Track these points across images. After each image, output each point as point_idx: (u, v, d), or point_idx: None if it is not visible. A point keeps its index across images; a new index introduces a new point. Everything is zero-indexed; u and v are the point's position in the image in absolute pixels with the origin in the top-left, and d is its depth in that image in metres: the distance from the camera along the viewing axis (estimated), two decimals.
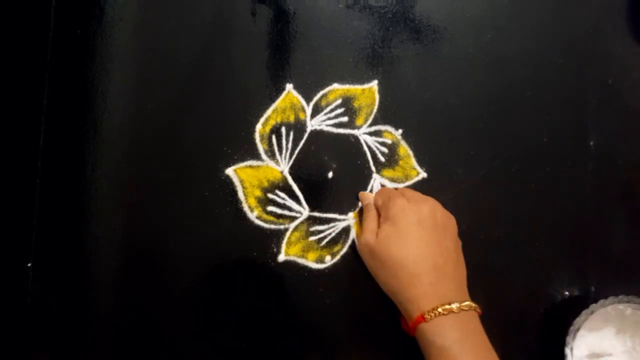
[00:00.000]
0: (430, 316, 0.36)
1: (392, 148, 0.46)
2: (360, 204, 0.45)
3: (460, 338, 0.35)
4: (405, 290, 0.38)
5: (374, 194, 0.44)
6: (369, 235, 0.41)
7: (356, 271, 0.45)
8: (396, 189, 0.45)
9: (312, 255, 0.44)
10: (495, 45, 0.47)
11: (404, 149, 0.46)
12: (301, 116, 0.46)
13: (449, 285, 0.38)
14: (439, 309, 0.36)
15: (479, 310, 0.38)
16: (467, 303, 0.37)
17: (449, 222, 0.41)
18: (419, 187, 0.46)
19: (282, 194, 0.45)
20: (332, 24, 0.46)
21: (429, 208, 0.40)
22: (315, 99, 0.46)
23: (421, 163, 0.46)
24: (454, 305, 0.36)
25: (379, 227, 0.41)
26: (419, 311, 0.36)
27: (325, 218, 0.45)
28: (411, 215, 0.39)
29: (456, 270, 0.39)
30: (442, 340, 0.35)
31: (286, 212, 0.45)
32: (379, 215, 0.42)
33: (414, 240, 0.38)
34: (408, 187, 0.46)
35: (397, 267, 0.38)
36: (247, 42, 0.46)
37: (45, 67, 0.45)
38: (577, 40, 0.47)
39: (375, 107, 0.46)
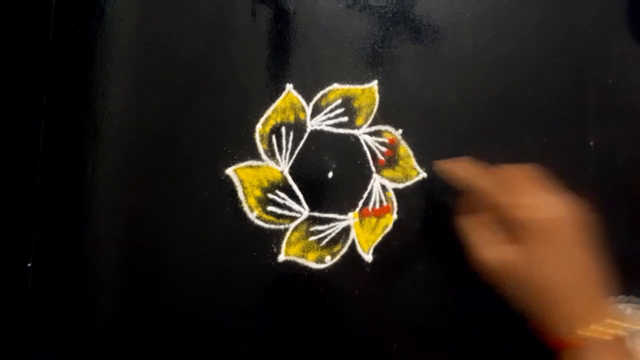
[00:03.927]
0: (574, 339, 0.33)
1: (392, 148, 0.46)
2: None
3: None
4: (550, 313, 0.35)
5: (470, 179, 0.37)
6: (503, 252, 0.35)
7: (356, 271, 0.45)
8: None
9: (312, 255, 0.44)
10: (495, 45, 0.47)
11: (404, 149, 0.46)
12: (301, 116, 0.46)
13: (595, 305, 0.35)
14: (586, 334, 0.33)
15: (627, 329, 0.35)
16: (619, 325, 0.34)
17: (586, 233, 0.36)
18: (419, 187, 0.46)
19: (282, 194, 0.45)
20: (332, 24, 0.46)
21: (560, 216, 0.35)
22: (315, 99, 0.46)
23: (421, 163, 0.46)
24: (605, 329, 0.33)
25: (489, 234, 0.36)
26: (563, 334, 0.34)
27: (325, 218, 0.45)
28: (546, 234, 0.34)
29: (599, 283, 0.35)
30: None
31: (286, 212, 0.45)
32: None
33: (569, 259, 0.34)
34: (408, 187, 0.45)
35: (548, 291, 0.34)
36: (247, 42, 0.46)
37: (45, 67, 0.45)
38: (577, 40, 0.47)
39: (375, 107, 0.46)
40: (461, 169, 0.39)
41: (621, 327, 0.34)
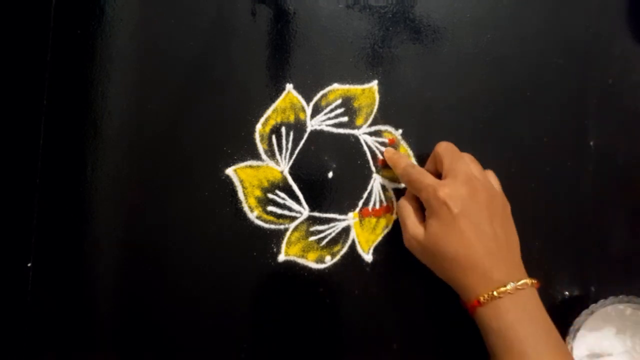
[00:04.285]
0: (486, 300, 0.36)
1: (392, 148, 0.46)
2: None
3: (516, 319, 0.35)
4: (459, 279, 0.38)
5: (400, 170, 0.43)
6: (415, 230, 0.40)
7: (356, 271, 0.45)
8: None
9: (312, 255, 0.44)
10: (495, 45, 0.47)
11: (404, 149, 0.46)
12: (301, 116, 0.46)
13: (503, 268, 0.37)
14: (494, 292, 0.36)
15: (536, 284, 0.37)
16: (522, 282, 0.36)
17: (495, 199, 0.40)
18: None
19: (282, 194, 0.45)
20: (332, 24, 0.46)
21: (469, 192, 0.38)
22: (315, 99, 0.46)
23: (421, 163, 0.46)
24: (509, 287, 0.36)
25: (419, 215, 0.41)
26: (475, 297, 0.37)
27: (325, 218, 0.45)
28: (454, 206, 0.38)
29: (509, 250, 0.39)
30: (497, 322, 0.35)
31: (286, 212, 0.45)
32: (417, 204, 0.42)
33: (464, 234, 0.37)
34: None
35: (448, 260, 0.38)
36: (247, 42, 0.46)
37: (45, 67, 0.45)
38: (577, 41, 0.47)
39: (375, 107, 0.46)
40: (400, 159, 0.44)
41: (530, 283, 0.37)
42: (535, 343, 0.35)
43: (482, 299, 0.36)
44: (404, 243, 0.42)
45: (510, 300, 0.36)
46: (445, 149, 0.41)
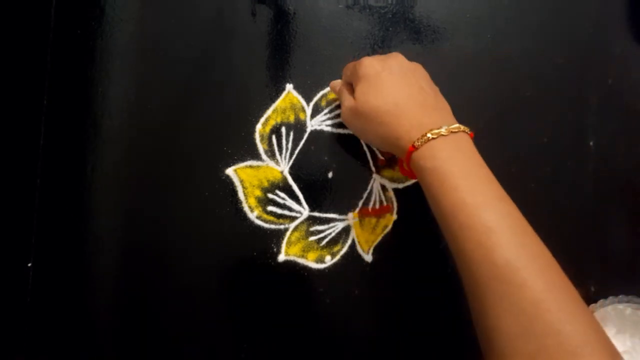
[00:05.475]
0: (420, 142, 0.36)
1: None
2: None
3: (449, 157, 0.35)
4: (394, 131, 0.38)
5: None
6: (348, 101, 0.41)
7: (356, 271, 0.45)
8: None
9: (312, 255, 0.44)
10: (495, 45, 0.47)
11: None
12: (301, 116, 0.46)
13: (435, 115, 0.38)
14: (428, 135, 0.36)
15: (469, 132, 0.37)
16: (455, 125, 0.37)
17: (417, 67, 0.42)
18: (419, 187, 0.46)
19: (282, 194, 0.45)
20: (332, 24, 0.46)
21: (394, 58, 0.41)
22: (315, 99, 0.46)
23: None
24: (443, 129, 0.36)
25: (351, 92, 0.42)
26: (410, 142, 0.37)
27: (325, 218, 0.45)
28: (379, 67, 0.40)
29: (438, 102, 0.39)
30: (432, 162, 0.35)
31: (286, 212, 0.45)
32: (351, 88, 0.43)
33: (389, 86, 0.39)
34: (408, 187, 0.46)
35: (380, 114, 0.39)
36: (247, 42, 0.46)
37: (45, 67, 0.45)
38: (577, 40, 0.48)
39: None
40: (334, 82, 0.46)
41: (461, 127, 0.37)
42: (467, 176, 0.35)
43: (416, 142, 0.36)
44: (342, 119, 0.43)
45: (443, 141, 0.36)
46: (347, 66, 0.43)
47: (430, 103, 0.39)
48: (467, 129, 0.37)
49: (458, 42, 0.47)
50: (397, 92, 0.39)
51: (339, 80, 0.45)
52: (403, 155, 0.38)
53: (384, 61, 0.40)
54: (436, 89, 0.41)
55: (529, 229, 0.34)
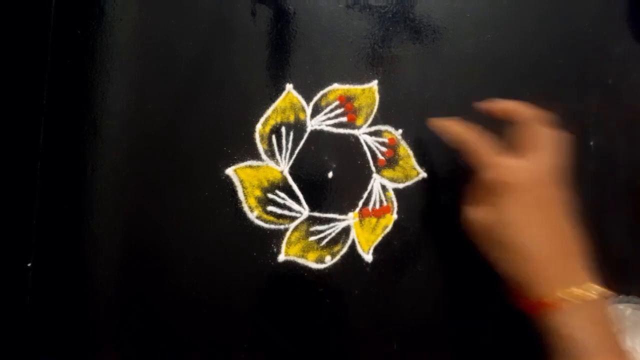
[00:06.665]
0: (557, 302, 0.34)
1: (392, 148, 0.46)
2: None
3: (588, 328, 0.33)
4: (522, 275, 0.35)
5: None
6: (474, 213, 0.37)
7: (356, 271, 0.45)
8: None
9: (312, 255, 0.44)
10: (495, 45, 0.47)
11: (404, 149, 0.46)
12: (301, 116, 0.46)
13: (577, 269, 0.35)
14: (570, 297, 0.33)
15: (607, 294, 0.35)
16: (602, 290, 0.34)
17: (563, 195, 0.37)
18: (419, 187, 0.46)
19: (282, 194, 0.45)
20: (332, 24, 0.46)
21: (541, 185, 0.35)
22: (315, 99, 0.46)
23: (421, 163, 0.46)
24: (591, 293, 0.34)
25: (482, 196, 0.37)
26: (548, 297, 0.34)
27: (325, 218, 0.45)
28: (526, 197, 0.35)
29: (580, 251, 0.36)
30: (566, 329, 0.33)
31: (286, 212, 0.45)
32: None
33: (542, 226, 0.35)
34: (408, 187, 0.45)
35: (517, 254, 0.35)
36: (247, 42, 0.46)
37: (45, 67, 0.45)
38: (577, 40, 0.47)
39: (375, 107, 0.46)
40: (455, 126, 0.40)
41: (602, 291, 0.34)
42: (602, 352, 0.33)
43: (555, 299, 0.33)
44: (465, 218, 0.38)
45: (583, 307, 0.34)
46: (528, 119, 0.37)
47: (573, 252, 0.35)
48: (607, 292, 0.34)
49: (458, 42, 0.47)
50: (550, 230, 0.35)
51: (443, 121, 0.40)
52: (528, 304, 0.35)
53: (533, 192, 0.35)
54: (572, 223, 0.37)
55: None
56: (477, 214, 0.37)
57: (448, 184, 0.45)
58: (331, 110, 0.46)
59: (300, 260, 0.44)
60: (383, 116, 0.46)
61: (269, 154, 0.45)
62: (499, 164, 0.36)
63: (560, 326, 0.34)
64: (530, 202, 0.35)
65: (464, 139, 0.39)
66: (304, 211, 0.45)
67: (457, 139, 0.39)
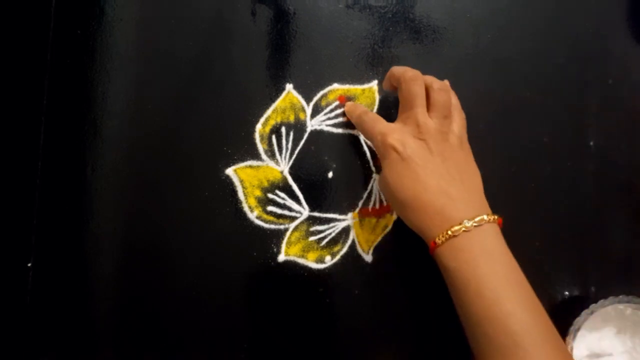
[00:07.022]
0: (442, 240, 0.35)
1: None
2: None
3: (472, 258, 0.34)
4: (416, 222, 0.37)
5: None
6: (379, 179, 0.41)
7: (356, 271, 0.45)
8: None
9: (312, 255, 0.44)
10: (495, 45, 0.47)
11: None
12: (301, 116, 0.46)
13: (459, 206, 0.36)
14: (449, 231, 0.35)
15: (498, 220, 0.36)
16: (479, 218, 0.35)
17: (447, 142, 0.38)
18: None
19: (282, 194, 0.45)
20: (332, 24, 0.46)
21: (417, 136, 0.38)
22: (315, 99, 0.46)
23: None
24: (465, 224, 0.34)
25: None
26: (432, 238, 0.36)
27: (325, 218, 0.45)
28: (402, 151, 0.37)
29: (465, 189, 0.37)
30: (454, 263, 0.34)
31: (286, 212, 0.45)
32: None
33: (410, 176, 0.37)
34: None
35: (403, 205, 0.37)
36: (247, 42, 0.46)
37: (45, 67, 0.45)
38: (577, 41, 0.47)
39: (375, 107, 0.46)
40: (356, 108, 0.44)
41: (488, 218, 0.35)
42: (492, 281, 0.33)
43: (438, 239, 0.35)
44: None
45: (466, 238, 0.34)
46: (407, 82, 0.40)
47: (457, 192, 0.36)
48: (492, 218, 0.36)
49: (458, 42, 0.47)
50: (421, 184, 0.36)
51: (351, 103, 0.45)
52: (430, 245, 0.37)
53: (404, 143, 0.37)
54: (468, 165, 0.39)
55: (557, 342, 0.33)
56: (378, 180, 0.41)
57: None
58: (331, 110, 0.46)
59: (300, 260, 0.44)
60: (383, 116, 0.46)
61: (269, 154, 0.45)
62: (378, 131, 0.39)
63: (447, 261, 0.35)
64: (396, 159, 0.37)
65: (358, 118, 0.43)
66: (304, 211, 0.45)
67: (355, 121, 0.44)
